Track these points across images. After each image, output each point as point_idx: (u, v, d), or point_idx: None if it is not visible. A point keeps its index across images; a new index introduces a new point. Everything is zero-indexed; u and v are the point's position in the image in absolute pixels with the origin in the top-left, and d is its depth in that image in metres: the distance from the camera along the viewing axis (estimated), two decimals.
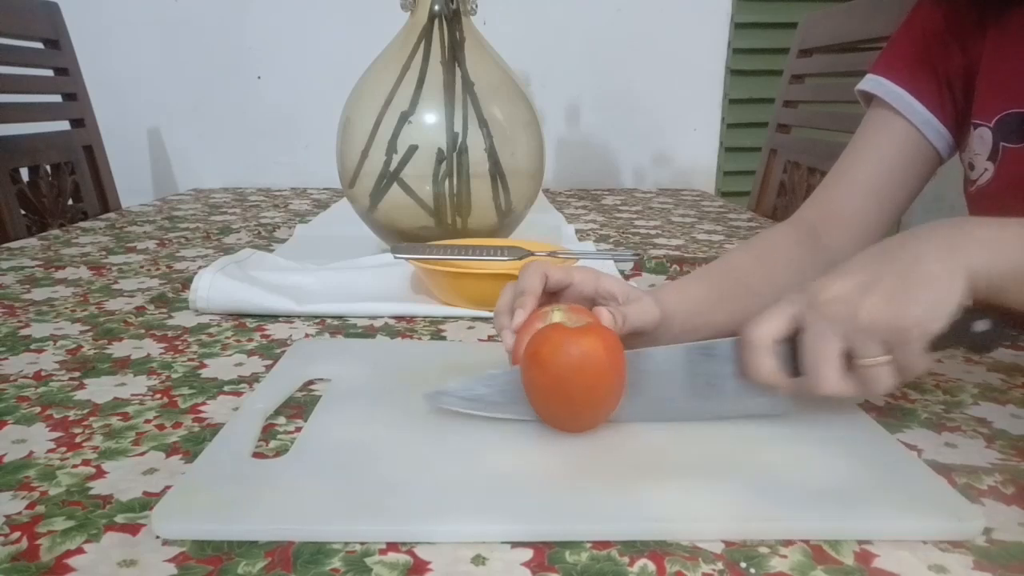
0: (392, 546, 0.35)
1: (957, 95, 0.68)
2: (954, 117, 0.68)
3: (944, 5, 0.67)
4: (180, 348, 0.61)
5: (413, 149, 0.86)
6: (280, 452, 0.44)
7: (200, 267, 0.75)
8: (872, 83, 0.70)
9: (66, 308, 0.71)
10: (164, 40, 1.72)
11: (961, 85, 0.67)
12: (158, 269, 0.87)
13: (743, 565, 0.34)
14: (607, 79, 1.80)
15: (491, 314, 0.70)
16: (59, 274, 0.83)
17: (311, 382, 0.54)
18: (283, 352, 0.59)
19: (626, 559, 0.35)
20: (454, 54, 0.87)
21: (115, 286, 0.79)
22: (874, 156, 0.69)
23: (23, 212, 1.17)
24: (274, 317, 0.69)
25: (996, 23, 0.64)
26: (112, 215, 1.24)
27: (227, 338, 0.64)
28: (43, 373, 0.55)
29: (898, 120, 0.68)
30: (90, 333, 0.64)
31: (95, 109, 1.39)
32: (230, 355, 0.60)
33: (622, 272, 0.87)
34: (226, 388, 0.53)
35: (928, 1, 0.69)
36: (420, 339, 0.65)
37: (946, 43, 0.67)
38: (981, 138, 0.65)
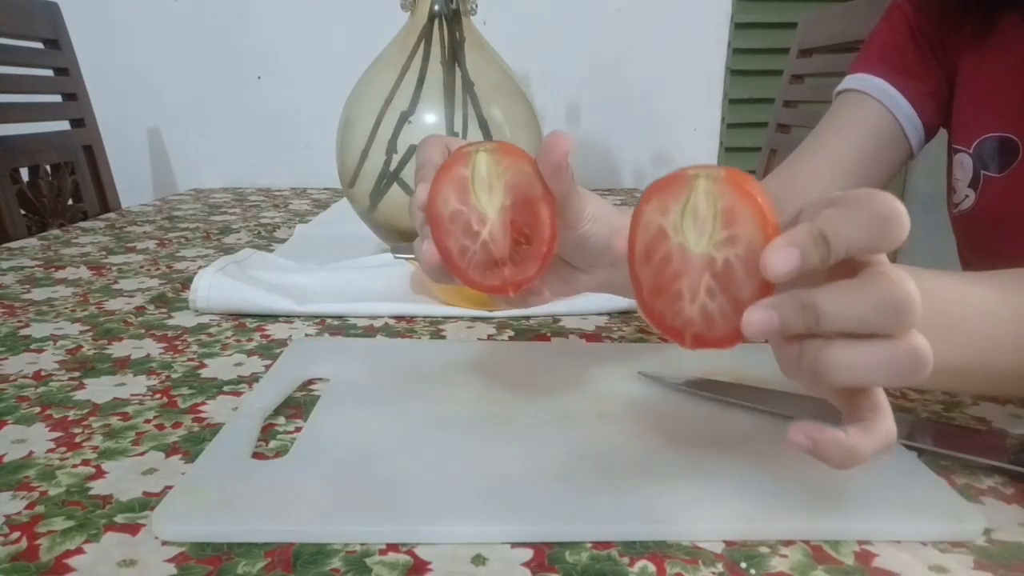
0: (392, 546, 0.35)
1: (943, 89, 0.67)
2: (936, 109, 0.67)
3: (925, 14, 0.67)
4: (180, 348, 0.61)
5: (413, 149, 0.86)
6: (280, 452, 0.44)
7: (200, 267, 0.75)
8: (853, 80, 0.70)
9: (66, 308, 0.71)
10: (164, 40, 1.72)
11: (940, 95, 0.67)
12: (158, 269, 0.87)
13: (743, 565, 0.34)
14: (607, 79, 1.80)
15: (491, 314, 0.70)
16: (59, 274, 0.83)
17: (310, 382, 0.54)
18: (283, 352, 0.59)
19: (626, 559, 0.35)
20: (454, 54, 0.87)
21: (115, 286, 0.79)
22: (853, 132, 0.68)
23: (23, 212, 1.17)
24: (274, 317, 0.69)
25: (971, 43, 0.64)
26: (112, 215, 1.24)
27: (227, 338, 0.64)
28: (43, 373, 0.55)
29: (877, 105, 0.67)
30: (90, 333, 0.64)
31: (95, 109, 1.39)
32: (230, 355, 0.60)
33: None
34: (226, 388, 0.53)
35: (908, 7, 0.68)
36: (420, 339, 0.65)
37: (932, 44, 0.66)
38: (961, 164, 0.64)
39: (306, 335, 0.65)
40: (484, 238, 0.38)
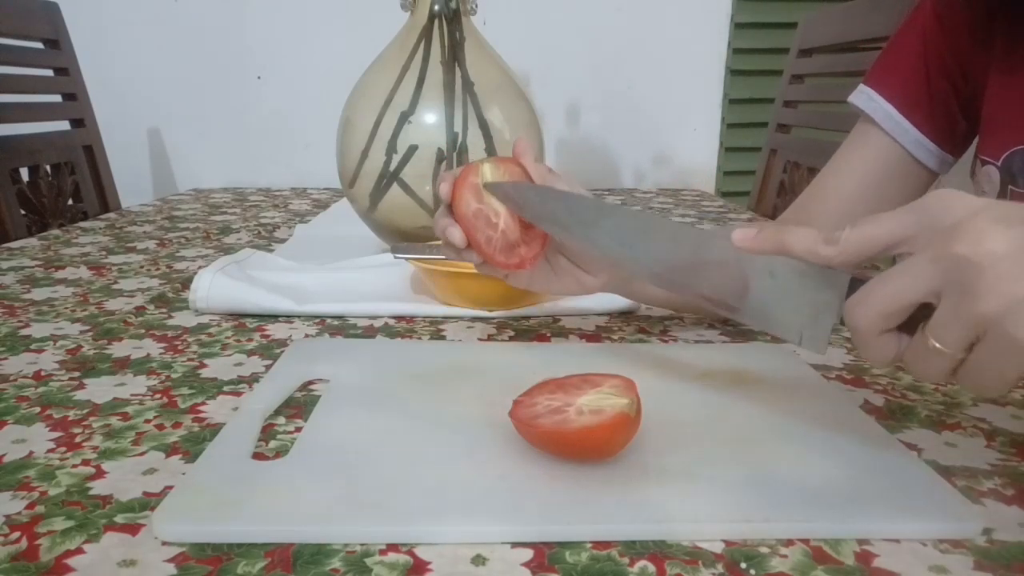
0: (392, 546, 0.35)
1: (957, 116, 0.66)
2: (951, 136, 0.67)
3: (948, 28, 0.65)
4: (180, 348, 0.61)
5: (413, 149, 0.86)
6: (280, 452, 0.44)
7: (200, 267, 0.75)
8: (863, 99, 0.69)
9: (66, 308, 0.71)
10: (164, 40, 1.72)
11: (962, 109, 0.66)
12: (158, 269, 0.87)
13: (743, 565, 0.34)
14: (607, 79, 1.80)
15: (491, 313, 0.70)
16: (59, 274, 0.83)
17: (311, 382, 0.54)
18: (283, 352, 0.59)
19: (626, 560, 0.35)
20: (454, 54, 0.87)
21: (115, 286, 0.79)
22: (856, 171, 0.69)
23: (23, 212, 1.17)
24: (274, 317, 0.69)
25: (1002, 54, 0.62)
26: (112, 215, 1.24)
27: (227, 338, 0.64)
28: (43, 373, 0.55)
29: (884, 139, 0.67)
30: (90, 333, 0.64)
31: (95, 109, 1.39)
32: (230, 355, 0.60)
33: None
34: (226, 388, 0.53)
35: (930, 13, 0.67)
36: (420, 339, 0.65)
37: (948, 66, 0.65)
38: (989, 177, 0.64)
39: (306, 335, 0.65)
40: (502, 227, 0.47)
